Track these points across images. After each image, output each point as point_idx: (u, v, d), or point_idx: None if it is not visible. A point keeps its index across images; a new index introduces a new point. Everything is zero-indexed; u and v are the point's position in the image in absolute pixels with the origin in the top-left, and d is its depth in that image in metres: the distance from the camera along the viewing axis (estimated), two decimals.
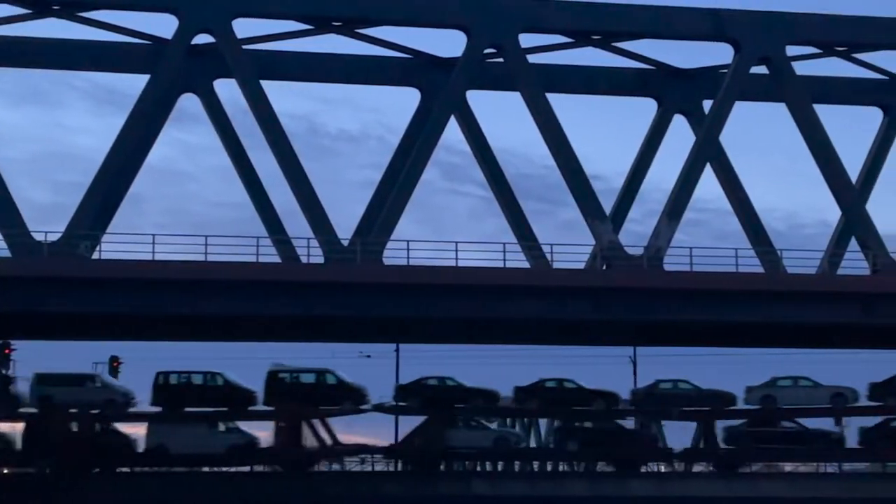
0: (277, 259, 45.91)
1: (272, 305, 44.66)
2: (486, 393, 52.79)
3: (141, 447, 51.39)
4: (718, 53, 50.26)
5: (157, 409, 51.83)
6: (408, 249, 45.41)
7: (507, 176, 50.16)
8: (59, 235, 43.87)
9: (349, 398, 51.81)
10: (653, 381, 54.21)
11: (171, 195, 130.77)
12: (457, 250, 45.45)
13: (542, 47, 50.04)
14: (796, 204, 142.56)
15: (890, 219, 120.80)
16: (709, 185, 50.52)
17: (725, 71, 49.46)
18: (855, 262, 49.22)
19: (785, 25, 49.10)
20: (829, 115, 49.57)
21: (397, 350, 73.51)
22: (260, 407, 52.01)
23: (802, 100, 48.97)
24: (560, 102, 47.90)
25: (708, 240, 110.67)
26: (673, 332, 51.64)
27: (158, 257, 43.94)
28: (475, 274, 45.18)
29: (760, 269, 48.17)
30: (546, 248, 47.35)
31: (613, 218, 49.50)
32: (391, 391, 53.90)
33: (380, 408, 53.09)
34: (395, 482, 50.28)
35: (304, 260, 45.75)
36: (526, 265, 47.16)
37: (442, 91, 47.73)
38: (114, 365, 70.29)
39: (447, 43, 49.25)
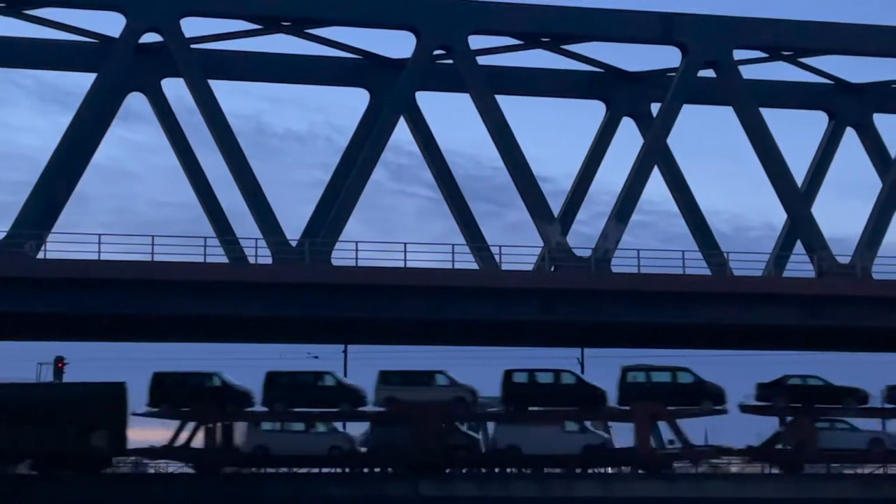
0: (225, 259, 45.69)
1: (220, 306, 44.45)
2: (855, 392, 51.13)
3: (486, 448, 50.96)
4: (667, 57, 50.62)
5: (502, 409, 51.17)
6: (356, 250, 45.40)
7: (455, 177, 50.19)
8: (2, 235, 43.47)
9: (707, 397, 50.40)
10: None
11: (117, 195, 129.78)
12: (405, 251, 45.50)
13: (492, 49, 50.15)
14: (742, 206, 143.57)
15: (835, 222, 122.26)
16: (656, 187, 50.86)
17: (673, 74, 49.74)
18: (800, 265, 49.68)
19: (732, 30, 49.44)
20: (776, 119, 50.04)
21: (345, 351, 73.54)
22: (612, 406, 50.87)
23: (749, 103, 49.32)
24: (509, 104, 48.10)
25: (655, 242, 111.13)
26: (620, 334, 51.83)
27: (104, 257, 43.68)
28: (424, 275, 45.17)
29: (707, 271, 48.50)
30: (494, 250, 47.50)
31: (562, 220, 49.64)
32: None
33: (745, 408, 51.53)
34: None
35: (251, 260, 45.57)
36: (474, 266, 47.24)
37: (391, 92, 47.70)
38: (59, 366, 69.65)
39: (397, 44, 49.25)
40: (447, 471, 49.99)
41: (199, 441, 50.75)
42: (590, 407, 50.80)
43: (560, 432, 50.48)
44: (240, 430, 51.36)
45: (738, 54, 49.75)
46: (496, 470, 51.18)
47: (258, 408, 51.01)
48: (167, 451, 51.44)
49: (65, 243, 44.21)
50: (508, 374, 51.54)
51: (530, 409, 51.22)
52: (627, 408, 50.84)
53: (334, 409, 51.02)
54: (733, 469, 54.99)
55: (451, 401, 50.62)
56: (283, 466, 50.89)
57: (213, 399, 50.36)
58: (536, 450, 49.67)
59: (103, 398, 49.79)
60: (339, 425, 52.44)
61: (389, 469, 50.85)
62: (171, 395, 50.41)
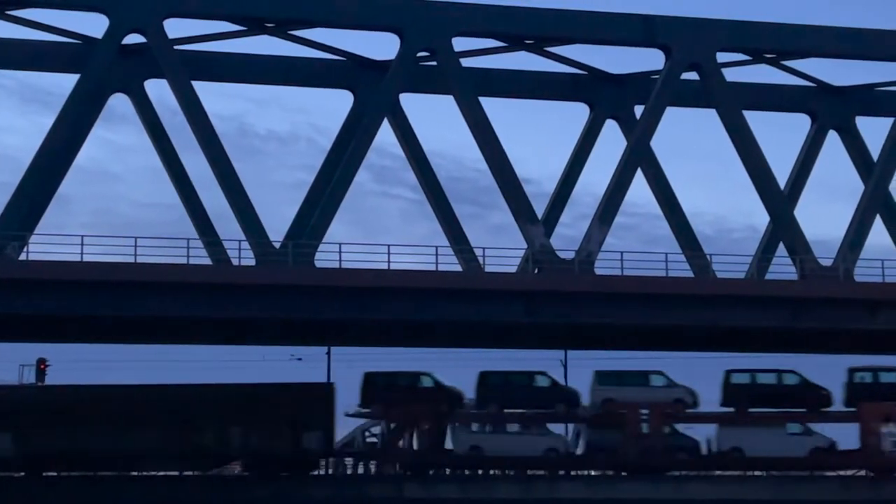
0: (208, 261, 45.59)
1: (203, 307, 44.36)
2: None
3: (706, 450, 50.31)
4: (650, 59, 50.72)
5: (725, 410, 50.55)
6: (340, 252, 45.37)
7: (438, 179, 50.19)
8: None
9: None
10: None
11: (99, 196, 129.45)
12: (389, 253, 45.49)
13: (476, 51, 50.16)
14: (725, 209, 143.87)
15: (817, 225, 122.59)
16: (640, 189, 50.96)
17: (657, 77, 49.83)
18: (783, 268, 49.83)
19: (715, 32, 49.57)
20: (759, 122, 50.16)
21: (328, 353, 73.47)
22: (838, 408, 50.20)
23: (732, 106, 49.45)
24: (493, 106, 48.12)
25: (638, 244, 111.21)
26: (604, 336, 51.92)
27: (87, 258, 43.51)
28: (407, 277, 45.16)
29: (690, 274, 48.60)
30: (478, 252, 47.53)
31: (545, 221, 49.68)
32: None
33: None
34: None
35: (235, 262, 45.48)
36: (458, 268, 47.24)
37: (375, 93, 47.70)
38: (41, 367, 69.41)
39: (380, 46, 49.24)
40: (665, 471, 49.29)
41: (411, 442, 50.44)
42: (815, 408, 49.98)
43: (784, 434, 49.85)
44: (451, 431, 50.62)
45: (721, 57, 49.87)
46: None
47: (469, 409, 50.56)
48: (379, 452, 51.12)
49: (47, 244, 44.10)
50: (728, 375, 50.94)
51: (751, 410, 50.30)
52: (854, 409, 49.94)
53: (549, 411, 50.55)
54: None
55: (671, 402, 50.08)
56: (497, 468, 50.48)
57: (425, 399, 49.93)
58: (760, 452, 49.14)
59: (314, 398, 49.60)
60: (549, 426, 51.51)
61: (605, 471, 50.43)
62: (382, 395, 50.11)
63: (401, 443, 50.50)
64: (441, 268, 46.09)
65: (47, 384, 51.76)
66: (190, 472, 49.72)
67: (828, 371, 54.31)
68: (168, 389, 50.14)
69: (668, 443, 49.93)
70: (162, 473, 49.67)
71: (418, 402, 49.75)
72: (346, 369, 66.57)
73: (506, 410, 50.47)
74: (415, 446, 50.57)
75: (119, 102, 48.82)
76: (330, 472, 51.76)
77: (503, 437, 50.29)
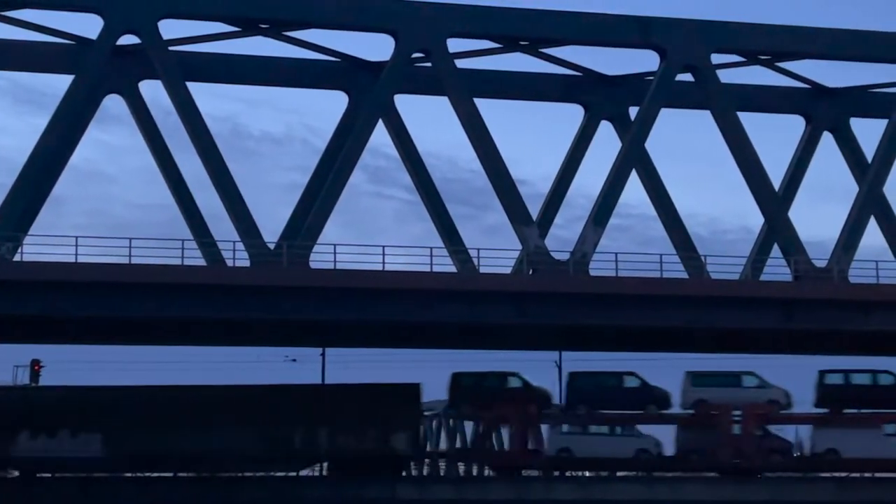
0: (203, 262, 45.57)
1: (197, 308, 44.33)
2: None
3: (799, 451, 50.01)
4: (645, 61, 50.74)
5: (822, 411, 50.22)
6: (334, 253, 45.36)
7: (433, 180, 50.18)
8: None
9: None
10: None
11: (94, 196, 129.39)
12: (384, 254, 45.46)
13: (470, 52, 50.15)
14: (718, 210, 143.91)
15: (811, 226, 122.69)
16: (634, 190, 51.00)
17: (652, 78, 49.86)
18: (777, 269, 49.87)
19: (710, 34, 49.60)
20: (753, 123, 50.22)
21: (323, 354, 73.42)
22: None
23: (727, 107, 49.49)
24: (487, 107, 48.14)
25: (632, 245, 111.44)
26: (598, 337, 51.94)
27: (81, 259, 43.46)
28: (402, 278, 45.16)
29: (684, 275, 48.63)
30: (472, 253, 47.53)
31: (540, 223, 49.68)
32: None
33: None
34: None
35: (229, 263, 45.46)
36: (452, 269, 47.26)
37: (370, 95, 47.70)
38: (35, 368, 69.35)
39: (375, 47, 49.27)
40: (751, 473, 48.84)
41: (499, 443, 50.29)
42: None
43: (881, 435, 49.40)
44: (540, 432, 50.37)
45: (716, 58, 49.92)
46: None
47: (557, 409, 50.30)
48: (467, 453, 50.77)
49: (41, 245, 44.06)
50: (822, 375, 50.60)
51: (846, 411, 49.94)
52: None
53: (640, 412, 50.23)
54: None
55: (764, 403, 49.74)
56: (587, 469, 50.19)
57: (514, 400, 49.64)
58: (856, 453, 48.77)
59: (401, 399, 49.46)
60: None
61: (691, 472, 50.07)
62: (470, 395, 49.85)
63: (489, 443, 50.14)
64: (436, 269, 46.12)
65: (135, 385, 51.59)
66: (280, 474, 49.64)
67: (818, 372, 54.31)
68: (257, 390, 50.04)
69: (761, 444, 49.49)
70: (248, 474, 49.53)
71: (507, 402, 49.38)
72: (340, 370, 66.66)
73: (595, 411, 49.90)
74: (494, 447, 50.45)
75: (113, 103, 48.85)
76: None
77: (593, 439, 49.94)
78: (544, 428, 50.42)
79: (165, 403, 49.08)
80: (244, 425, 48.42)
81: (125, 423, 48.47)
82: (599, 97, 52.42)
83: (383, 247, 45.56)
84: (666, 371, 53.09)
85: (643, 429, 51.41)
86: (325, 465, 51.55)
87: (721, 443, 49.34)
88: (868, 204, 50.65)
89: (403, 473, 50.32)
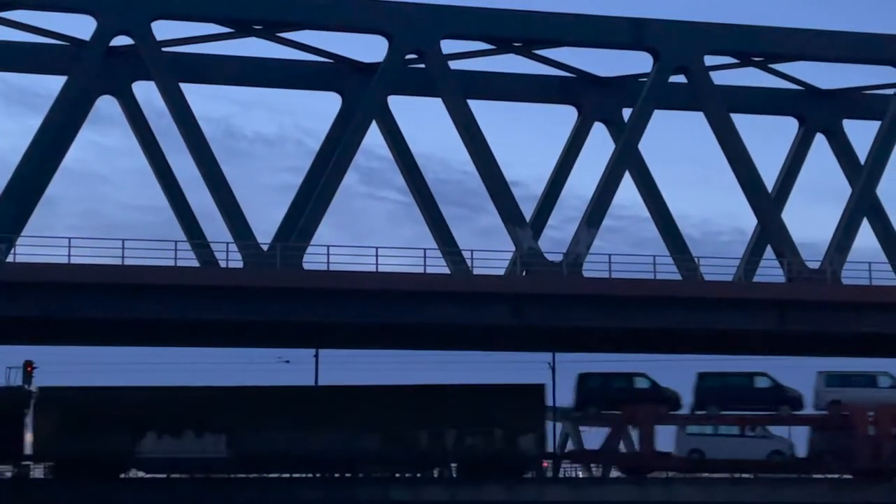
0: (196, 263, 45.53)
1: (190, 310, 44.29)
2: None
3: None
4: (638, 62, 50.79)
5: None
6: (328, 254, 45.33)
7: (426, 181, 50.17)
8: None
9: None
10: None
11: (86, 197, 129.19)
12: (377, 255, 45.45)
13: (464, 54, 50.16)
14: (711, 211, 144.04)
15: (805, 227, 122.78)
16: (627, 192, 51.04)
17: (645, 80, 49.90)
18: (770, 270, 49.91)
19: (703, 36, 49.65)
20: (746, 125, 50.33)
21: (316, 355, 73.34)
22: None
23: (720, 109, 49.55)
24: (481, 109, 48.19)
25: (625, 246, 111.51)
26: (592, 338, 51.95)
27: (74, 261, 43.41)
28: (395, 279, 45.15)
29: (678, 276, 48.65)
30: (466, 254, 47.53)
31: (533, 224, 49.72)
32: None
33: None
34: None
35: (223, 264, 45.43)
36: (446, 270, 47.25)
37: (363, 96, 47.69)
38: (28, 370, 69.21)
39: (369, 48, 49.30)
40: None
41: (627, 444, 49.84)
42: None
43: None
44: (668, 433, 50.08)
45: (709, 60, 49.97)
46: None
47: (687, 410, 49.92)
48: (596, 455, 50.50)
49: (34, 246, 44.03)
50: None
51: None
52: None
53: (773, 413, 49.70)
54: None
55: None
56: (718, 471, 49.63)
57: (642, 401, 49.28)
58: None
59: (528, 400, 49.23)
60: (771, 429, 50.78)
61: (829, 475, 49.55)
62: (597, 396, 49.57)
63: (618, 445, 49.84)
64: (429, 270, 46.08)
65: (259, 385, 51.58)
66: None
67: (813, 374, 54.37)
68: (385, 390, 49.95)
69: None
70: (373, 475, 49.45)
71: (636, 403, 49.09)
72: (334, 372, 66.58)
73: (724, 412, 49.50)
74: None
75: (106, 104, 48.80)
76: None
77: (725, 440, 49.50)
78: (673, 429, 49.90)
79: (290, 403, 49.09)
80: (373, 426, 48.45)
81: (249, 423, 48.49)
82: (593, 98, 52.43)
83: (377, 248, 45.62)
84: (659, 372, 53.01)
85: (775, 430, 50.91)
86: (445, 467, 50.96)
87: (857, 445, 48.50)
88: (861, 205, 50.71)
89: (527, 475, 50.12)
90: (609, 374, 51.04)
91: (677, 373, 53.34)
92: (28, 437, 49.22)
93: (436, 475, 50.54)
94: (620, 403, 49.47)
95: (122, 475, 49.93)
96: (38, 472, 52.08)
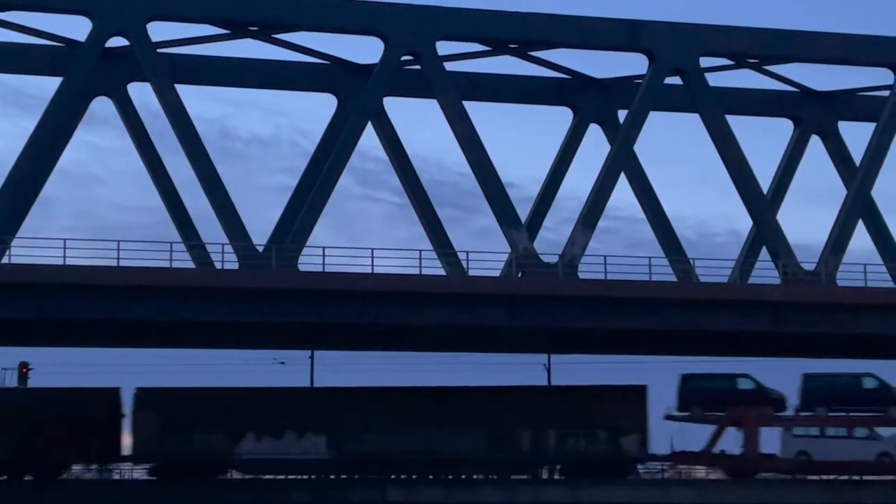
0: (191, 264, 45.49)
1: (186, 311, 44.24)
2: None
3: None
4: (634, 64, 50.79)
5: None
6: (323, 256, 45.30)
7: (422, 182, 50.14)
8: None
9: None
10: None
11: (81, 199, 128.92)
12: (373, 257, 45.44)
13: (460, 55, 50.15)
14: (706, 213, 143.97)
15: (800, 229, 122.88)
16: (622, 193, 51.01)
17: (640, 81, 49.90)
18: (766, 272, 49.91)
19: (699, 37, 49.66)
20: (742, 126, 50.31)
21: (312, 357, 73.36)
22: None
23: (715, 111, 49.56)
24: (476, 110, 48.17)
25: (620, 248, 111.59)
26: (587, 340, 51.95)
27: (69, 262, 43.35)
28: (391, 281, 45.13)
29: (673, 278, 48.66)
30: (462, 255, 47.52)
31: (529, 226, 49.70)
32: None
33: None
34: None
35: (218, 266, 45.38)
36: (441, 272, 47.25)
37: (359, 97, 47.68)
38: (23, 371, 69.24)
39: (364, 49, 49.27)
40: None
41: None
42: None
43: None
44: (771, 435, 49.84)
45: (705, 62, 49.98)
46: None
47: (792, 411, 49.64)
48: (700, 457, 50.27)
49: (29, 248, 43.95)
50: None
51: None
52: None
53: (881, 414, 49.38)
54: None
55: None
56: (825, 473, 49.44)
57: (746, 402, 48.96)
58: None
59: (630, 401, 49.17)
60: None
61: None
62: (700, 397, 49.30)
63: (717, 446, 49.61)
64: (424, 271, 46.08)
65: (360, 386, 51.56)
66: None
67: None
68: (489, 391, 49.86)
69: None
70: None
71: (739, 404, 48.84)
72: (329, 373, 66.52)
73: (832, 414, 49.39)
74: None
75: (102, 105, 48.77)
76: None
77: (832, 442, 49.22)
78: (779, 431, 49.65)
79: (393, 404, 49.19)
80: (473, 427, 48.42)
81: (351, 424, 48.57)
82: (588, 100, 52.44)
83: (372, 249, 45.60)
84: (650, 374, 53.05)
85: (883, 431, 50.69)
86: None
87: None
88: (856, 207, 50.74)
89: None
90: (711, 376, 50.79)
91: (670, 374, 53.27)
92: (126, 439, 49.36)
93: (543, 476, 50.49)
94: (723, 405, 49.13)
95: (220, 476, 49.89)
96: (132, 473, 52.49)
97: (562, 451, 49.07)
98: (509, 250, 47.44)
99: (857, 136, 53.52)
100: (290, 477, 50.44)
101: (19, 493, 47.40)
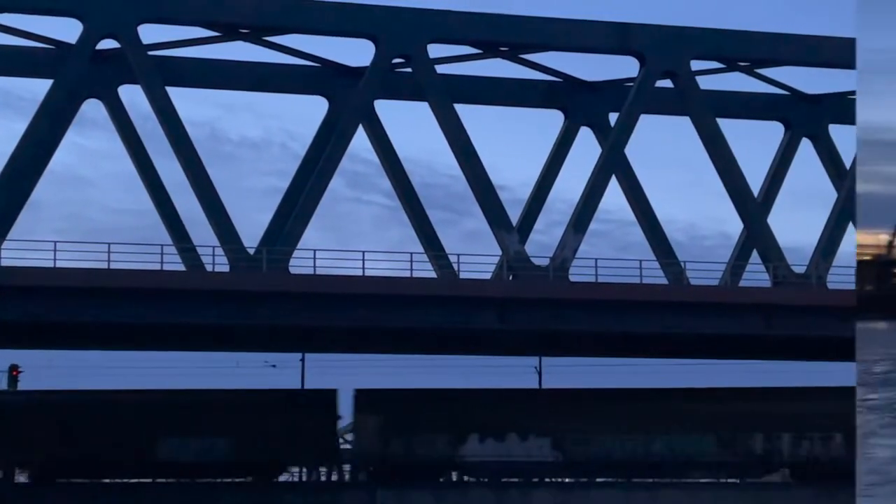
0: (182, 267, 45.44)
1: (176, 314, 44.20)
2: None
3: None
4: (625, 67, 50.82)
5: None
6: (314, 258, 45.29)
7: (413, 185, 50.13)
8: None
9: None
10: None
11: (72, 201, 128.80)
12: (363, 259, 45.44)
13: (451, 58, 50.17)
14: (697, 216, 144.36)
15: (790, 232, 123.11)
16: (613, 196, 51.07)
17: (631, 84, 49.95)
18: (756, 275, 49.99)
19: (689, 40, 49.72)
20: (732, 129, 50.37)
21: (303, 359, 73.34)
22: None
23: (706, 114, 49.62)
24: (467, 113, 48.15)
25: (611, 250, 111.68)
26: (578, 343, 51.97)
27: (60, 265, 43.27)
28: (381, 283, 45.13)
29: (664, 280, 48.71)
30: (452, 258, 47.53)
31: (520, 228, 49.70)
32: None
33: None
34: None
35: (209, 268, 45.35)
36: (432, 275, 47.24)
37: (350, 100, 47.67)
38: (13, 374, 69.15)
39: (355, 52, 49.26)
40: None
41: None
42: None
43: None
44: None
45: (696, 65, 50.04)
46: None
47: None
48: None
49: (19, 250, 43.85)
50: None
51: None
52: None
53: None
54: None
55: None
56: None
57: None
58: None
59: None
60: None
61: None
62: None
63: None
64: (415, 274, 46.07)
65: (582, 387, 51.17)
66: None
67: (801, 379, 54.52)
68: (718, 393, 49.16)
69: None
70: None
71: None
72: (320, 376, 66.46)
73: None
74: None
75: (92, 108, 48.65)
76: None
77: None
78: None
79: (619, 406, 48.82)
80: (701, 430, 47.99)
81: (576, 426, 48.41)
82: (579, 103, 52.46)
83: (363, 252, 45.62)
84: (650, 375, 53.07)
85: None
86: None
87: None
88: (847, 209, 50.82)
89: None
90: None
91: (659, 377, 53.38)
92: (342, 441, 49.27)
93: (776, 479, 49.86)
94: None
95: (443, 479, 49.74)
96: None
97: (795, 454, 48.41)
98: (500, 253, 47.46)
99: (847, 139, 53.70)
100: (280, 479, 50.40)
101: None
